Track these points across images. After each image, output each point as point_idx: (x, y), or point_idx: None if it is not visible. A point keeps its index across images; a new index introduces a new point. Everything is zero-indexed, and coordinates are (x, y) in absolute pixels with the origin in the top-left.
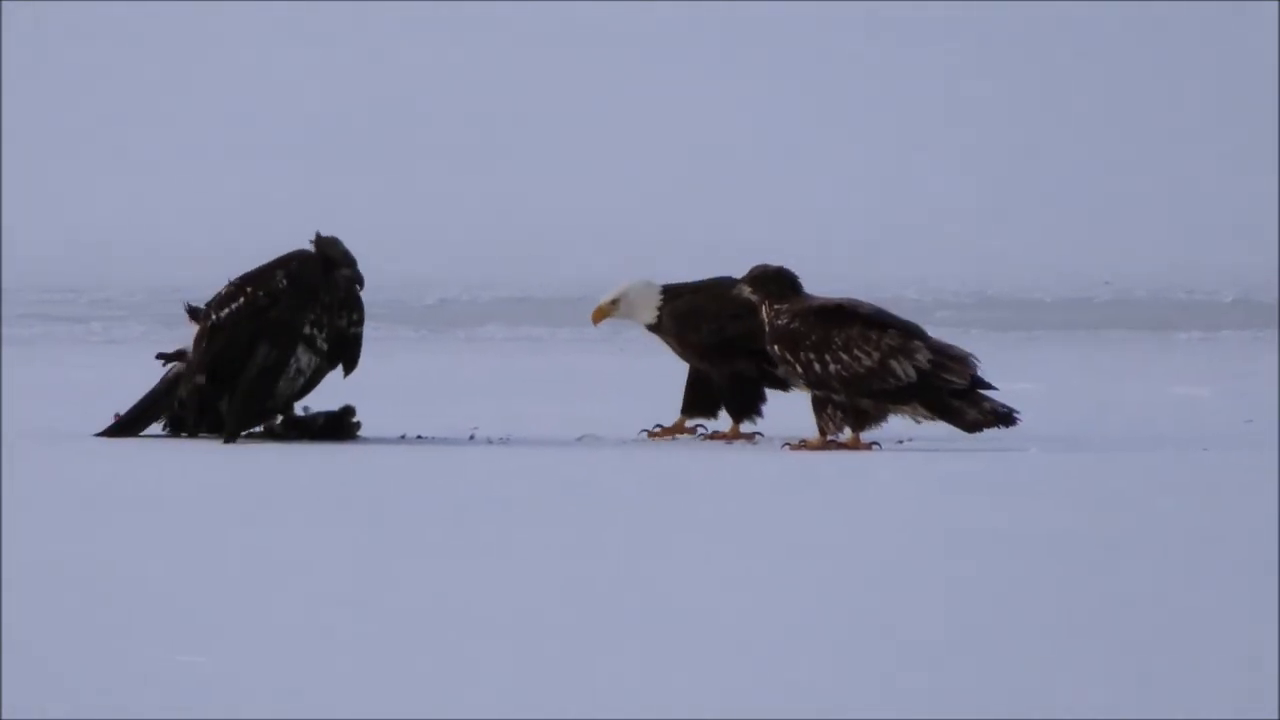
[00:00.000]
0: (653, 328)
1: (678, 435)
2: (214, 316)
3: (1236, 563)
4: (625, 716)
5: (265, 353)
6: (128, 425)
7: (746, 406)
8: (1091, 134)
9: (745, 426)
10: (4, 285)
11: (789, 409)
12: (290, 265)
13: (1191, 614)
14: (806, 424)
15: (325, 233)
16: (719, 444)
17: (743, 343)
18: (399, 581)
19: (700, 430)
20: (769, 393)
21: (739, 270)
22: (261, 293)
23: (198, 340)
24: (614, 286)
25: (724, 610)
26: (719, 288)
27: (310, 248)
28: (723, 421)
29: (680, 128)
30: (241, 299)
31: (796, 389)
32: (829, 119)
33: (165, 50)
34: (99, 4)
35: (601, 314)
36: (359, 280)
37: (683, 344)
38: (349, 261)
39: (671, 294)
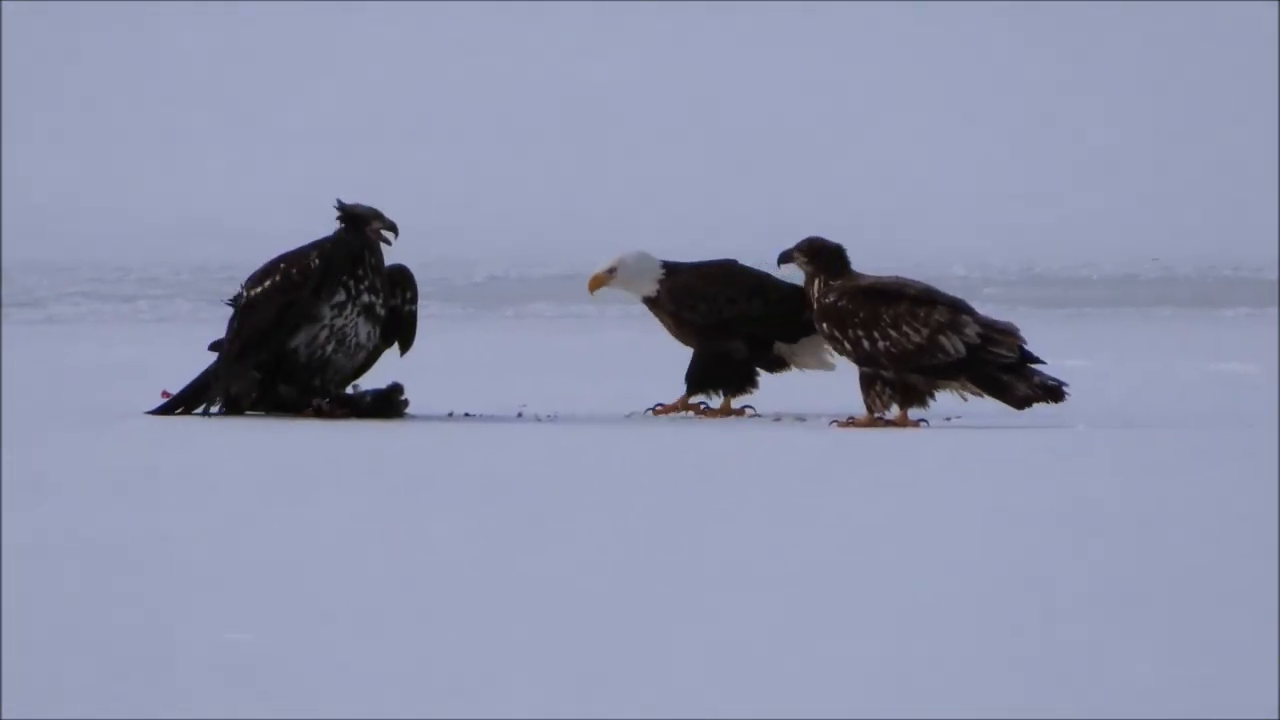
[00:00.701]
0: (650, 301)
1: (682, 412)
2: (246, 294)
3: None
4: (683, 703)
5: (300, 332)
6: (179, 404)
7: (714, 381)
8: (1139, 111)
9: (736, 402)
10: (54, 263)
11: (782, 386)
12: (324, 245)
13: (1237, 590)
14: (798, 402)
15: (347, 201)
16: (767, 422)
17: (737, 326)
18: (446, 559)
19: (703, 405)
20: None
21: (747, 255)
22: (295, 270)
23: (231, 321)
24: (609, 256)
25: (780, 590)
26: (719, 269)
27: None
28: (751, 398)
29: (735, 104)
30: (276, 276)
31: (797, 369)
32: (877, 95)
33: (216, 31)
34: None
35: (598, 283)
36: (392, 228)
37: (678, 322)
38: (375, 214)
39: (672, 270)
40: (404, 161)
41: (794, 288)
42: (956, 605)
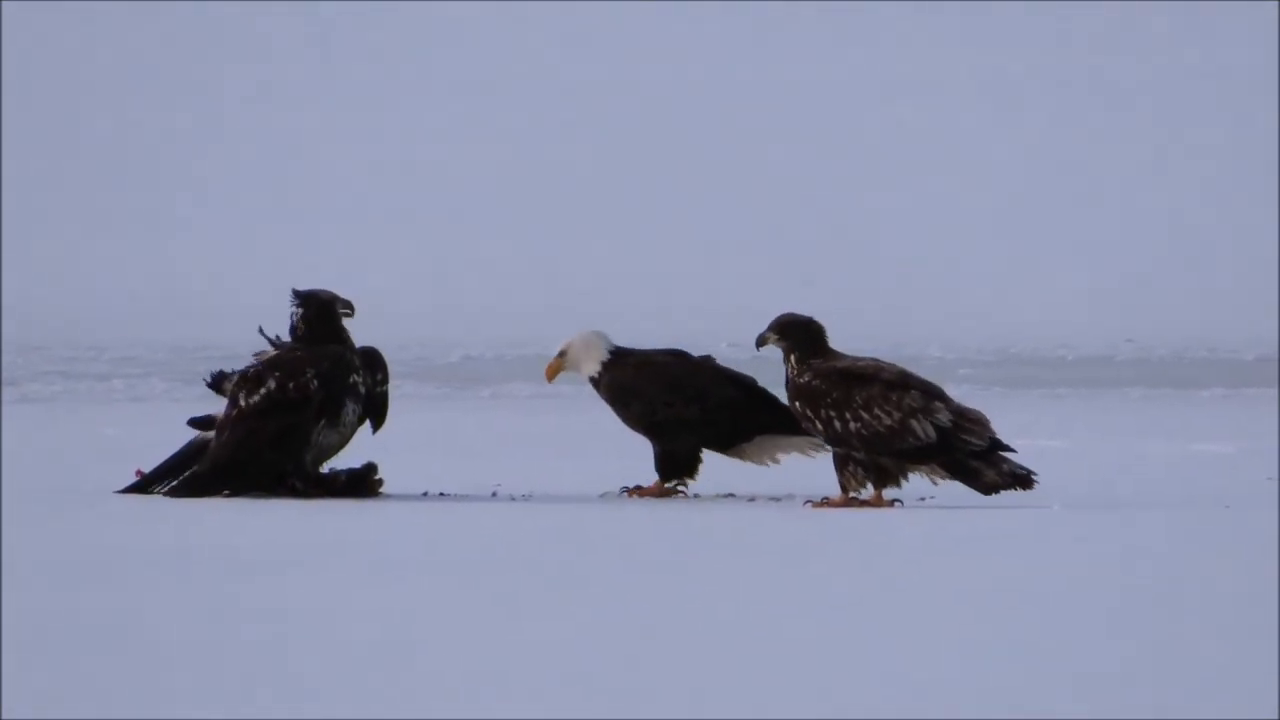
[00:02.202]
0: (594, 382)
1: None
2: (241, 403)
3: (1260, 621)
4: None
5: (289, 443)
6: (151, 483)
7: (680, 469)
8: (1113, 193)
9: (671, 484)
10: (28, 342)
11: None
12: (321, 365)
13: (1215, 671)
14: (772, 483)
15: (301, 288)
16: (742, 502)
17: (671, 428)
18: (422, 638)
19: (681, 489)
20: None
21: (698, 345)
22: (292, 385)
23: (221, 424)
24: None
25: (754, 666)
26: (661, 367)
27: (296, 307)
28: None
29: (705, 184)
30: (272, 384)
31: (742, 459)
32: (855, 178)
33: (188, 106)
34: (128, 64)
35: (553, 370)
36: (349, 306)
37: (616, 413)
38: (333, 296)
39: (618, 358)
40: (381, 241)
41: (741, 393)
42: (926, 684)
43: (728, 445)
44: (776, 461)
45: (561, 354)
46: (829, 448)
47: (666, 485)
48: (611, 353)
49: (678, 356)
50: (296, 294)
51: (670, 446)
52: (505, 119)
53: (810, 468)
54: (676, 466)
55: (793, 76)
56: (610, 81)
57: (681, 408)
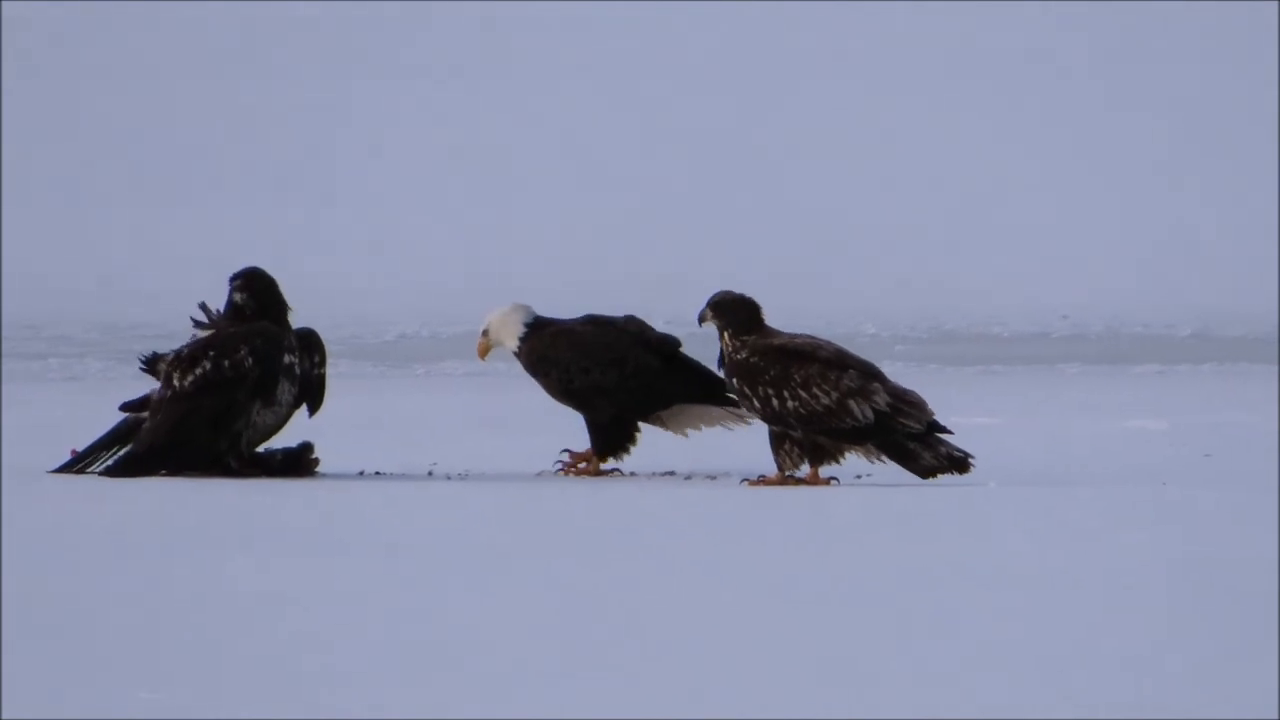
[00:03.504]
0: (516, 355)
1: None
2: (176, 384)
3: (1196, 597)
4: None
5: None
6: (82, 462)
7: (613, 445)
8: (1048, 167)
9: (609, 464)
10: None
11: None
12: (255, 343)
13: (1148, 648)
14: (707, 460)
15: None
16: (679, 480)
17: (589, 395)
18: (358, 617)
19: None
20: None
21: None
22: (226, 363)
23: (155, 405)
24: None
25: (691, 645)
26: (579, 335)
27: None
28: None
29: (642, 156)
30: (207, 364)
31: (662, 428)
32: (787, 153)
33: (125, 91)
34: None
35: (483, 349)
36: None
37: (539, 384)
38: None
39: (535, 329)
40: (314, 220)
41: (660, 360)
42: (861, 662)
43: (646, 412)
44: (698, 430)
45: (485, 332)
46: (748, 420)
47: (602, 466)
48: (529, 324)
49: (597, 325)
50: (238, 274)
51: (592, 416)
52: (441, 96)
53: (747, 447)
54: (609, 441)
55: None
56: (539, 55)
57: (599, 375)
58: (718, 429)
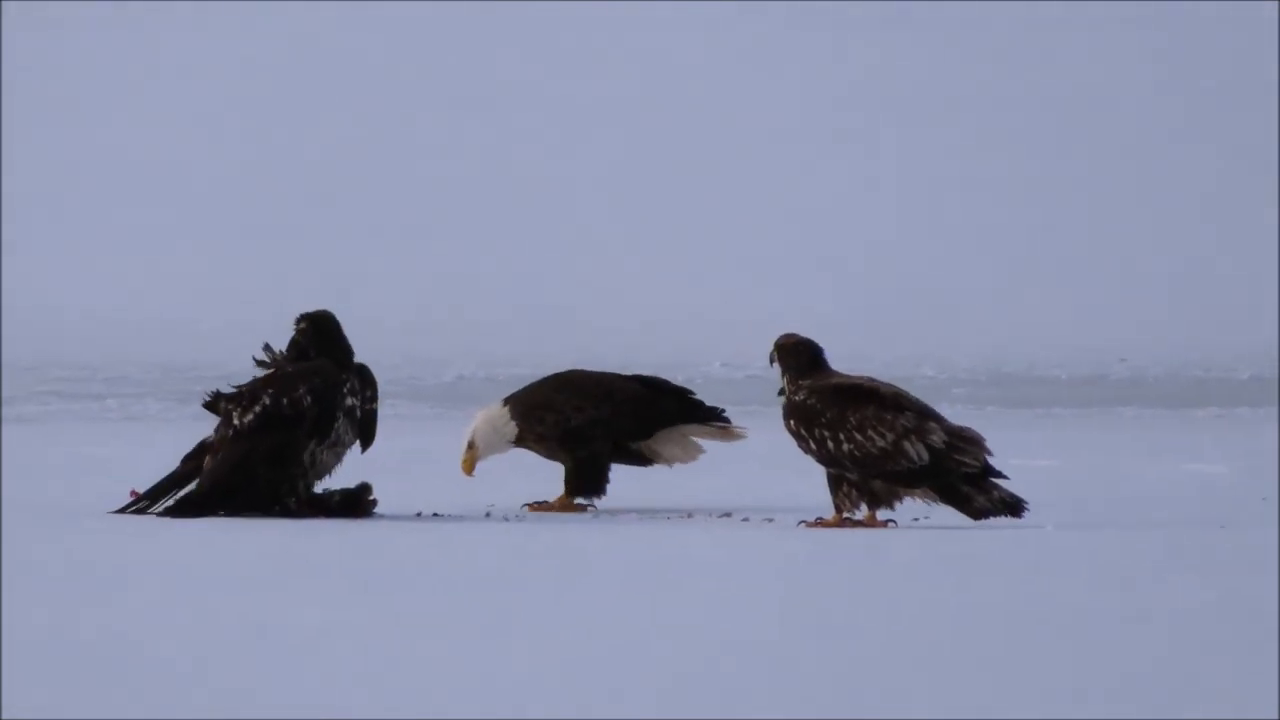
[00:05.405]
0: (518, 441)
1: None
2: (236, 422)
3: (1254, 641)
4: None
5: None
6: (146, 504)
7: (587, 486)
8: (1108, 211)
9: (579, 501)
10: (20, 362)
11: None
12: (314, 381)
13: (1208, 693)
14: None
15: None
16: (733, 522)
17: (589, 430)
18: (415, 659)
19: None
20: (628, 469)
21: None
22: (285, 401)
23: (216, 444)
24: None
25: (752, 684)
26: (560, 380)
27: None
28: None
29: (691, 204)
30: (266, 402)
31: (660, 465)
32: (846, 195)
33: (178, 124)
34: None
35: (469, 462)
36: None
37: (536, 438)
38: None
39: (514, 398)
40: (373, 261)
41: (643, 387)
42: (920, 705)
43: (646, 436)
44: (689, 454)
45: (470, 445)
46: (743, 435)
47: (573, 501)
48: (506, 402)
49: (570, 371)
50: (303, 316)
51: (585, 453)
52: (492, 133)
53: (799, 488)
54: (585, 482)
55: (786, 88)
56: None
57: (592, 409)
58: (713, 444)
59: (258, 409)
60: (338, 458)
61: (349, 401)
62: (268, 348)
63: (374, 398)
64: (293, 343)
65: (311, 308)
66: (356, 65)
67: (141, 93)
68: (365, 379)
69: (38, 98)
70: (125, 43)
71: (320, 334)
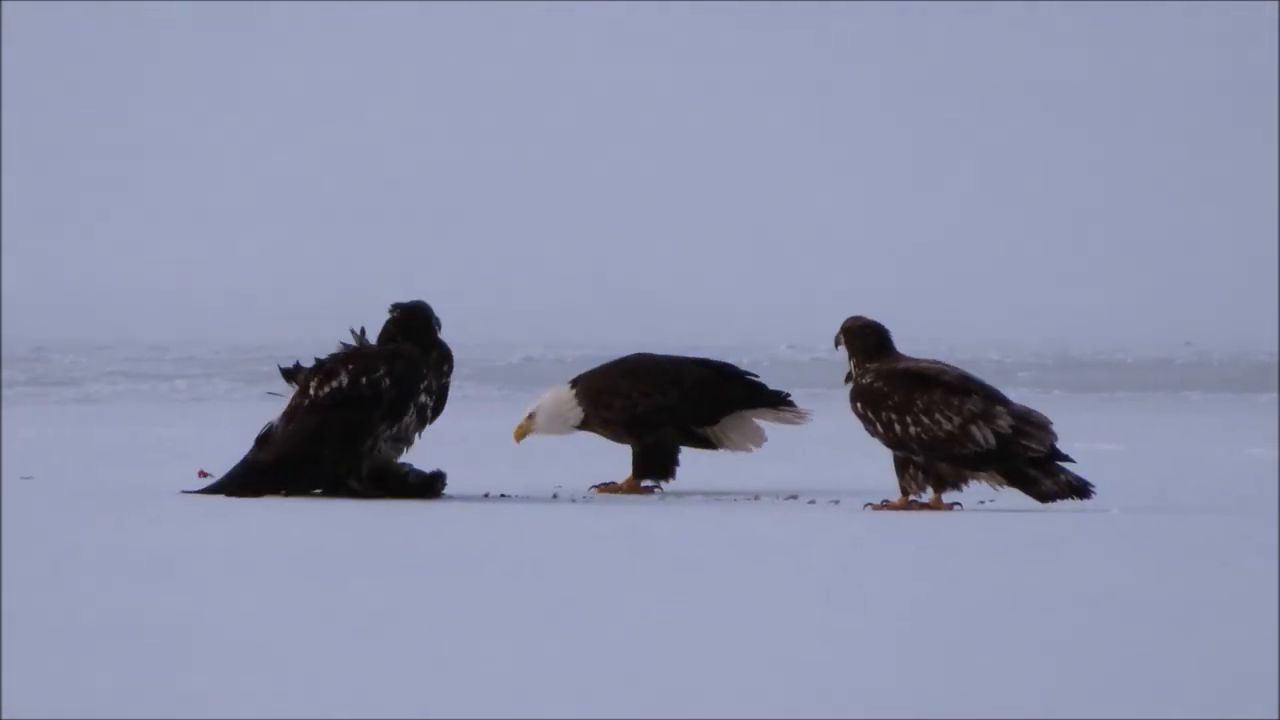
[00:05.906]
0: (583, 425)
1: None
2: (311, 394)
3: None
4: None
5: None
6: (218, 484)
7: (655, 469)
8: (1174, 196)
9: (647, 483)
10: (91, 342)
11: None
12: (395, 364)
13: (1270, 675)
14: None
15: (404, 300)
16: (800, 504)
17: (655, 416)
18: (481, 640)
19: (650, 485)
20: (695, 452)
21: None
22: (364, 380)
23: (289, 413)
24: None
25: (818, 671)
26: (629, 365)
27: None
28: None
29: (764, 188)
30: (344, 378)
31: (726, 450)
32: (914, 179)
33: (253, 111)
34: (197, 64)
35: (522, 431)
36: (438, 323)
37: (602, 423)
38: (429, 311)
39: (581, 381)
40: (441, 243)
41: (711, 372)
42: (981, 691)
43: (712, 421)
44: (756, 439)
45: (530, 416)
46: (808, 419)
47: (641, 483)
48: (573, 384)
49: (639, 356)
50: (398, 304)
51: (652, 439)
52: (564, 119)
53: (865, 470)
54: (653, 465)
55: (856, 74)
56: (663, 86)
57: (660, 396)
58: (779, 428)
59: (334, 384)
60: (398, 452)
61: (422, 399)
62: (356, 332)
63: (450, 370)
64: (385, 330)
65: (406, 298)
66: (429, 52)
67: (214, 79)
68: (444, 354)
69: (112, 84)
70: (199, 36)
71: (410, 324)
